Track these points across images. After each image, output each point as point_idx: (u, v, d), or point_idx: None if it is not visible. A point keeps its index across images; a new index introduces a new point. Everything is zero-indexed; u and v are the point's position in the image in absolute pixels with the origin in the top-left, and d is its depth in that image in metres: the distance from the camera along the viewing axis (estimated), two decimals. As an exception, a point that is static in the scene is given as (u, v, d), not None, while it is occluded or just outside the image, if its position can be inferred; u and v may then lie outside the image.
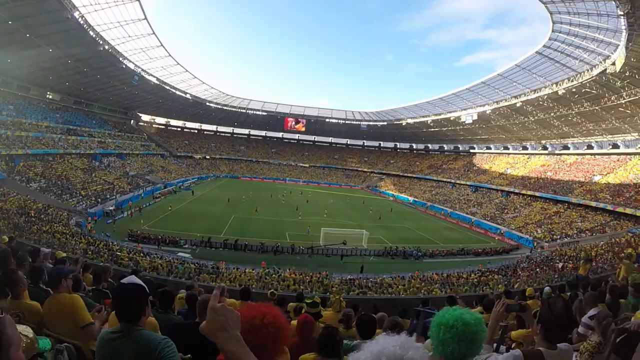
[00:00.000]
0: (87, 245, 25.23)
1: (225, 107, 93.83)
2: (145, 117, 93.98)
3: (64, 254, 8.89)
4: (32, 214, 29.50)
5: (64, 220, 31.80)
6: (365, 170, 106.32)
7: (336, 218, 50.38)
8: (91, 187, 46.64)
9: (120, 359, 2.33)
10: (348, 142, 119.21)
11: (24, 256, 6.44)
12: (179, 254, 29.93)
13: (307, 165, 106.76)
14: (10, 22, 37.03)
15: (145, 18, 47.25)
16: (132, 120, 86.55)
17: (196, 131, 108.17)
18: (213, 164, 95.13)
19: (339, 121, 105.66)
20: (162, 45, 56.55)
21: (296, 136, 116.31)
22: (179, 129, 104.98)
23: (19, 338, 1.90)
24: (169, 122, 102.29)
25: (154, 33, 51.85)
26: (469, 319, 1.91)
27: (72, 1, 38.32)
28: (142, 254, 26.59)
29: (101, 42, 46.71)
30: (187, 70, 70.34)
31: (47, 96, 62.05)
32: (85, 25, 42.26)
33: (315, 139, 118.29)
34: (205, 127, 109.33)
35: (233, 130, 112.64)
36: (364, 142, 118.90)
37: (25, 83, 55.53)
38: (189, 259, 27.95)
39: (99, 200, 43.68)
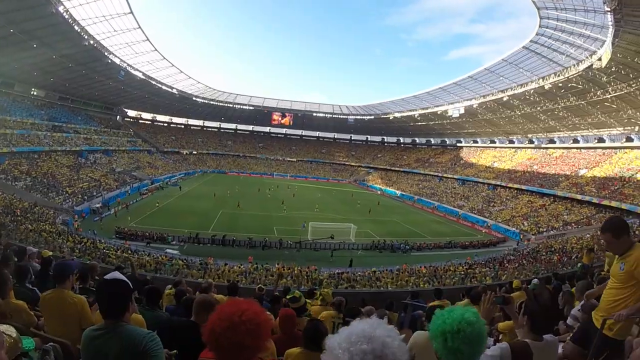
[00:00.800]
0: (74, 243, 24.99)
1: (212, 102, 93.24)
2: (131, 113, 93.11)
3: (50, 253, 8.83)
4: (18, 213, 29.16)
5: (50, 218, 31.48)
6: (352, 164, 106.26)
7: (325, 212, 50.49)
8: (77, 184, 46.14)
9: (105, 356, 2.31)
10: (335, 137, 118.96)
11: (9, 255, 6.40)
12: (167, 250, 29.77)
13: (294, 159, 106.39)
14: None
15: (131, 12, 46.76)
16: (118, 116, 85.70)
17: (183, 126, 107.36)
18: (200, 159, 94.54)
19: (326, 115, 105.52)
20: (148, 39, 55.98)
21: (283, 131, 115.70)
22: (165, 125, 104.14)
23: (1, 338, 1.92)
24: (155, 117, 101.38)
25: (139, 27, 51.31)
26: (470, 317, 1.85)
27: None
28: (129, 252, 26.43)
29: (86, 37, 46.14)
30: (173, 65, 69.70)
31: (32, 93, 61.15)
32: (70, 20, 41.72)
33: (303, 133, 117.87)
34: (192, 122, 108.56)
35: (220, 125, 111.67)
36: (351, 136, 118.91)
37: (9, 79, 54.65)
38: (177, 255, 27.88)
39: (86, 197, 43.24)
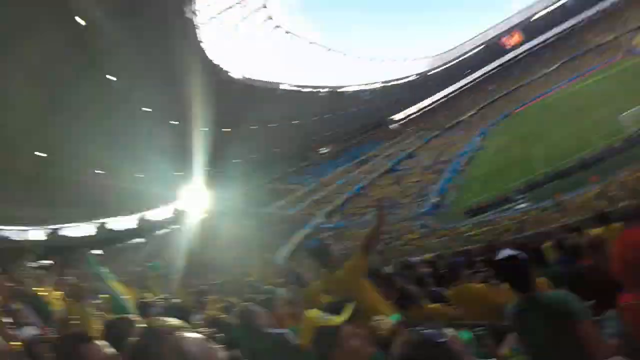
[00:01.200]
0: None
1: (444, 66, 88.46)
2: (397, 116, 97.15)
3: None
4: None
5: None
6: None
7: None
8: (408, 192, 49.93)
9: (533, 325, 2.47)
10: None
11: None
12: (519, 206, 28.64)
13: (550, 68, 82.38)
14: (254, 127, 45.60)
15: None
16: (389, 125, 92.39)
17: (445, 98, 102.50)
18: (485, 114, 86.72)
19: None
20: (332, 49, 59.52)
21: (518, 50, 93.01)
22: (432, 106, 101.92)
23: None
24: (418, 106, 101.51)
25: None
26: None
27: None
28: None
29: (316, 90, 53.39)
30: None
31: (320, 152, 71.53)
32: (294, 88, 48.96)
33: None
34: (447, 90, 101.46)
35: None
36: None
37: (301, 155, 65.51)
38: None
39: (423, 199, 46.51)
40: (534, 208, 25.40)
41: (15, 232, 29.71)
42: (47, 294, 5.18)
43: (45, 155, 27.21)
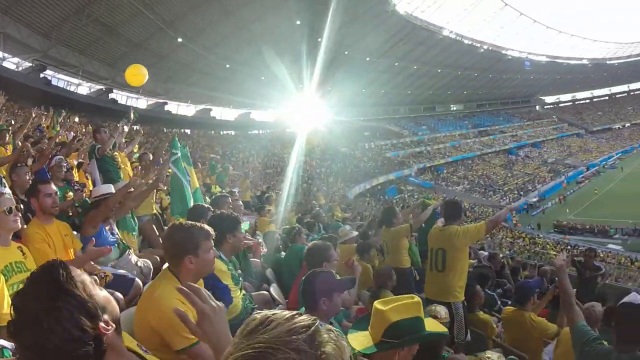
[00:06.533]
0: (513, 239, 26.56)
1: (631, 59, 77.30)
2: (549, 99, 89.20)
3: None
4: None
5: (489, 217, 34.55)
6: None
7: None
8: (511, 181, 48.54)
9: None
10: None
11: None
12: (609, 246, 26.69)
13: None
14: (396, 64, 45.19)
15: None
16: (536, 106, 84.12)
17: (606, 97, 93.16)
18: (636, 131, 79.05)
19: None
20: (523, 14, 54.39)
21: None
22: (588, 101, 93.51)
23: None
24: (574, 96, 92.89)
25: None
26: None
27: (436, 23, 43.40)
28: (568, 247, 25.60)
29: (478, 45, 49.28)
30: (561, 33, 63.88)
31: (452, 108, 69.18)
32: (457, 37, 45.92)
33: None
34: (615, 89, 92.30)
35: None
36: None
37: (429, 104, 64.29)
38: (619, 252, 24.87)
39: (522, 193, 44.83)
40: (626, 255, 24.19)
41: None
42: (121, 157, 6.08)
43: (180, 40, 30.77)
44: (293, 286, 3.97)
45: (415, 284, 5.68)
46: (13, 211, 2.59)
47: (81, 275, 1.09)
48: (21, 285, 2.48)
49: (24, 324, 0.99)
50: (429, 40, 44.24)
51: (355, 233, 6.57)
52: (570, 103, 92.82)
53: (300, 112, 46.88)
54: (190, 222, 2.34)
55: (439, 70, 50.79)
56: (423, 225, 6.20)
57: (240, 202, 7.06)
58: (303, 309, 2.46)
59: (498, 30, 51.95)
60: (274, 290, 4.29)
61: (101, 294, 1.11)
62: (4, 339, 1.93)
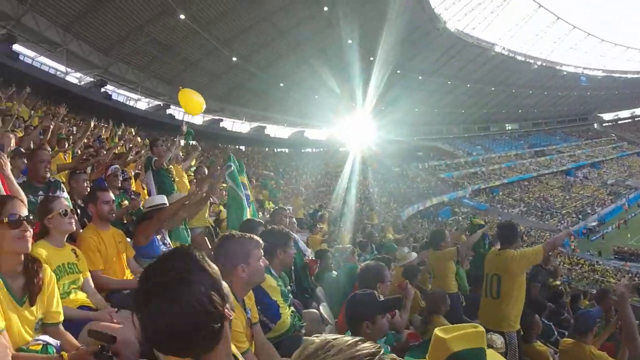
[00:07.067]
0: (571, 265, 25.16)
1: None
2: (607, 116, 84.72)
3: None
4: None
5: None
6: None
7: None
8: (569, 204, 46.23)
9: None
10: None
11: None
12: None
13: None
14: (449, 82, 44.54)
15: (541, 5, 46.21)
16: (594, 124, 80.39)
17: None
18: None
19: None
20: (576, 27, 52.47)
21: None
22: None
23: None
24: (634, 112, 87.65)
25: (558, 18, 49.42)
26: None
27: (488, 40, 42.75)
28: (629, 274, 23.96)
29: (532, 61, 47.86)
30: (616, 45, 60.52)
31: (507, 128, 67.20)
32: (509, 53, 44.91)
33: None
34: None
35: None
36: None
37: (483, 123, 62.67)
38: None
39: (580, 216, 42.58)
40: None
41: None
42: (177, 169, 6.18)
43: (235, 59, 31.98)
44: (343, 306, 3.91)
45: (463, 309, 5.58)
46: (68, 214, 2.67)
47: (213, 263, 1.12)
48: (72, 286, 2.51)
49: (154, 291, 0.98)
50: (480, 57, 43.58)
51: (414, 255, 6.41)
52: (630, 120, 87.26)
53: (353, 131, 47.23)
54: (240, 232, 2.40)
55: (492, 88, 49.69)
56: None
57: (294, 219, 7.09)
58: (349, 332, 2.40)
59: (551, 45, 50.47)
60: (323, 309, 4.18)
61: (224, 283, 1.13)
62: (49, 336, 1.99)
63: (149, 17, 25.13)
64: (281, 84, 36.75)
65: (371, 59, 34.36)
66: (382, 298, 2.64)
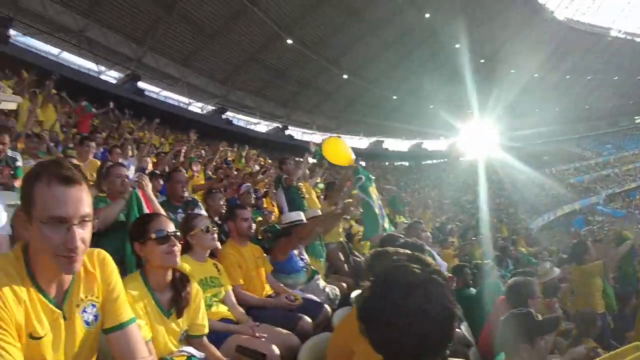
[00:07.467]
0: None
1: None
2: None
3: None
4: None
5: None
6: None
7: None
8: None
9: None
10: None
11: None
12: None
13: None
14: (567, 77, 41.46)
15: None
16: None
17: None
18: None
19: None
20: None
21: None
22: None
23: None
24: None
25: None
26: None
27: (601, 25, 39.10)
28: None
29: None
30: None
31: (636, 121, 58.87)
32: (628, 36, 40.70)
33: None
34: None
35: None
36: None
37: (611, 118, 55.63)
38: None
39: None
40: None
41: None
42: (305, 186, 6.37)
43: (345, 76, 32.34)
44: (485, 326, 3.73)
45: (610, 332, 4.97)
46: (210, 230, 2.78)
47: None
48: (214, 299, 2.51)
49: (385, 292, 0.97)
50: (597, 45, 39.35)
51: (557, 271, 5.83)
52: None
53: (473, 139, 45.39)
54: (393, 249, 2.21)
55: (615, 78, 44.34)
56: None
57: (428, 233, 6.91)
58: (502, 355, 2.28)
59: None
60: (464, 328, 3.87)
61: None
62: (193, 347, 2.04)
63: (259, 46, 26.57)
64: (394, 97, 36.57)
65: (482, 61, 32.84)
66: (539, 317, 2.37)
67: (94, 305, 1.42)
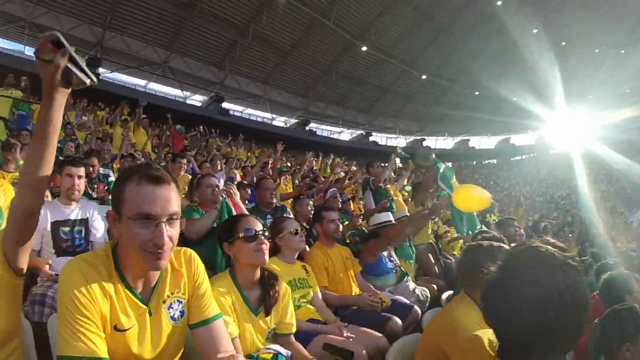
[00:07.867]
0: None
1: None
2: None
3: None
4: None
5: None
6: None
7: None
8: None
9: None
10: None
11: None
12: None
13: None
14: None
15: None
16: None
17: None
18: None
19: None
20: None
21: None
22: None
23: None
24: None
25: None
26: None
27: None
28: None
29: None
30: None
31: None
32: None
33: None
34: None
35: None
36: None
37: None
38: None
39: None
40: None
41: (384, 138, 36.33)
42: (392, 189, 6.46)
43: (424, 77, 31.66)
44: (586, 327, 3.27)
45: None
46: (298, 232, 2.83)
47: None
48: (302, 300, 2.82)
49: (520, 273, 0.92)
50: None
51: None
52: None
53: (562, 130, 42.10)
54: (487, 241, 2.20)
55: None
56: None
57: (522, 231, 6.52)
58: (602, 358, 2.10)
59: None
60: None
61: None
62: (280, 345, 2.04)
63: (335, 56, 26.96)
64: (476, 92, 35.34)
65: (563, 43, 30.50)
66: None
67: (180, 302, 1.45)
